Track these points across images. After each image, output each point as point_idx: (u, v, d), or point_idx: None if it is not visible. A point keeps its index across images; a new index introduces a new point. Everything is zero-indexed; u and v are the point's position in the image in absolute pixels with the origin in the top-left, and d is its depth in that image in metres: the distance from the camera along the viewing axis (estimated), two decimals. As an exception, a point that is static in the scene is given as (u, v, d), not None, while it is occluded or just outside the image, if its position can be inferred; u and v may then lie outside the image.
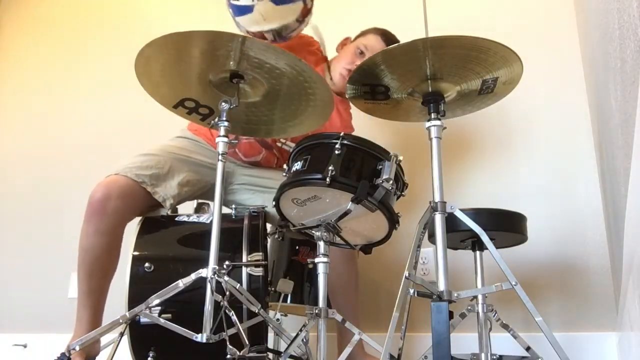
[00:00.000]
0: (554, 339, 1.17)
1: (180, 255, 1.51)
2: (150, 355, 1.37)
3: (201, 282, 1.22)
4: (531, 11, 2.19)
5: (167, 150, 1.68)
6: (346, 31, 1.97)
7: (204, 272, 1.23)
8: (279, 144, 1.77)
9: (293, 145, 1.50)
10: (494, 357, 1.47)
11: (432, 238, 1.29)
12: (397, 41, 1.84)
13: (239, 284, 1.29)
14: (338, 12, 2.37)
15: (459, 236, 1.49)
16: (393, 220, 1.25)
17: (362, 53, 1.82)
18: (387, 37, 1.86)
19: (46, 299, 2.74)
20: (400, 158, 1.27)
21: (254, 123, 1.55)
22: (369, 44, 1.83)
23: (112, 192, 1.49)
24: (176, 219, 1.60)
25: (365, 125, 1.88)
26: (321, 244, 1.28)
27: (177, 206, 1.69)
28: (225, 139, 1.33)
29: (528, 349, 1.45)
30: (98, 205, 1.48)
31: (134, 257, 1.44)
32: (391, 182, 1.21)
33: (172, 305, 1.30)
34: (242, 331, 1.21)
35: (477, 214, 1.34)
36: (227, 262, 1.32)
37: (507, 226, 1.49)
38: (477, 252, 1.54)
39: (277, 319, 1.71)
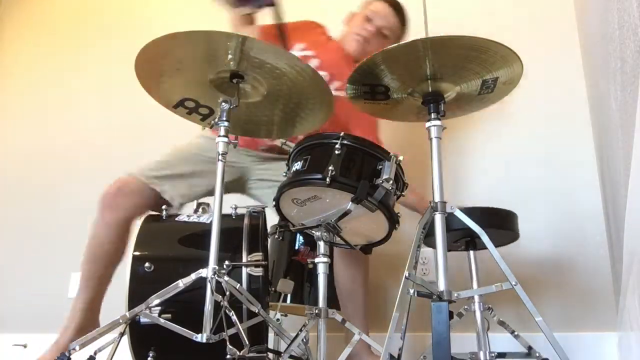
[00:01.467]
0: (554, 339, 1.17)
1: (180, 255, 1.51)
2: (150, 355, 1.37)
3: (201, 282, 1.22)
4: (531, 11, 2.19)
5: (182, 151, 1.78)
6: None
7: (204, 272, 1.23)
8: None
9: (293, 145, 1.50)
10: (492, 355, 1.48)
11: (427, 239, 1.28)
12: (402, 8, 1.95)
13: (239, 284, 1.28)
14: (338, 12, 2.36)
15: (451, 237, 1.48)
16: (393, 220, 1.25)
17: (369, 20, 1.92)
18: (394, 2, 1.95)
19: (46, 299, 2.74)
20: (400, 158, 1.27)
21: (254, 123, 1.55)
22: (375, 9, 1.93)
23: (122, 190, 1.64)
24: (176, 219, 1.59)
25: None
26: (321, 244, 1.28)
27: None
28: (225, 139, 1.33)
29: (530, 348, 1.45)
30: (109, 200, 1.63)
31: (134, 257, 1.44)
32: (391, 182, 1.21)
33: (172, 305, 1.30)
34: (242, 331, 1.21)
35: (471, 213, 1.33)
36: (227, 262, 1.32)
37: (498, 224, 1.49)
38: (471, 252, 1.54)
39: (277, 319, 1.71)
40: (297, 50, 1.83)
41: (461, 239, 1.52)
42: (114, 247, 1.61)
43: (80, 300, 1.61)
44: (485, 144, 2.18)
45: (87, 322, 1.57)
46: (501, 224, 1.49)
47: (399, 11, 1.95)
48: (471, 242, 1.53)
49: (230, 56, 1.28)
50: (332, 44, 1.98)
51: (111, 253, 1.61)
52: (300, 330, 1.25)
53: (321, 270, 1.27)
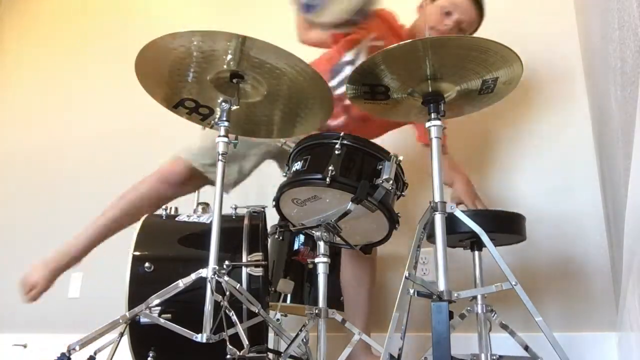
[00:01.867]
0: (554, 339, 1.17)
1: (180, 255, 1.51)
2: (150, 355, 1.37)
3: (201, 282, 1.22)
4: (531, 11, 2.19)
5: None
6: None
7: (204, 272, 1.23)
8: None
9: (293, 145, 1.50)
10: (494, 357, 1.47)
11: (430, 238, 1.29)
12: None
13: (239, 284, 1.29)
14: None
15: (457, 237, 1.49)
16: (393, 220, 1.25)
17: (449, 13, 1.77)
18: None
19: (46, 299, 2.74)
20: (400, 158, 1.27)
21: (254, 123, 1.55)
22: (456, 1, 1.77)
23: (178, 171, 1.74)
24: (176, 219, 1.60)
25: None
26: (321, 244, 1.28)
27: (177, 206, 1.70)
28: (225, 139, 1.33)
29: (526, 348, 1.44)
30: (167, 174, 1.74)
31: (134, 257, 1.44)
32: (391, 182, 1.21)
33: (172, 305, 1.30)
34: (242, 331, 1.21)
35: (476, 215, 1.34)
36: (227, 262, 1.32)
37: (506, 228, 1.49)
38: (476, 252, 1.54)
39: (277, 319, 1.71)
40: (369, 40, 1.74)
41: (466, 239, 1.52)
42: (148, 210, 1.68)
43: (86, 236, 1.71)
44: (484, 144, 2.18)
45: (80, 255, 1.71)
46: (508, 227, 1.50)
47: (479, 3, 1.81)
48: (476, 242, 1.53)
49: (230, 56, 1.28)
50: (403, 33, 1.86)
51: (143, 212, 1.66)
52: (300, 330, 1.25)
53: (321, 270, 1.27)
